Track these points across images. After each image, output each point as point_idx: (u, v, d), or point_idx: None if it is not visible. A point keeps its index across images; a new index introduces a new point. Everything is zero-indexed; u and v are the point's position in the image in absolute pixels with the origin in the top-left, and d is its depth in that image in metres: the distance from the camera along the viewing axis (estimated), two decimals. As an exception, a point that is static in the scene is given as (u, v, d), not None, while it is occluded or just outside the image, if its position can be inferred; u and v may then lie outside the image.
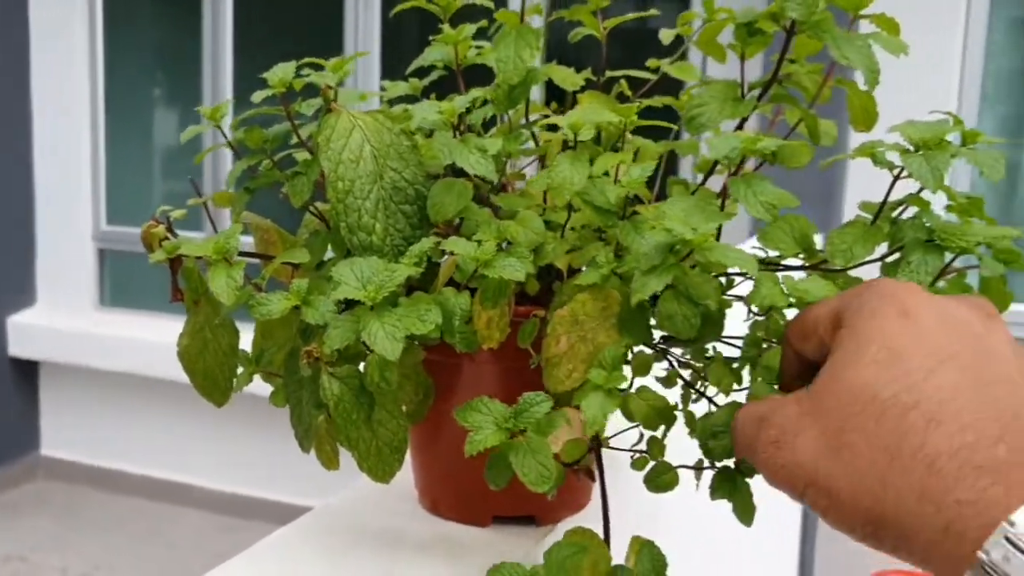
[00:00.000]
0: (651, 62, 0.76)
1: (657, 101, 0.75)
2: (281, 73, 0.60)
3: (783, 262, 0.65)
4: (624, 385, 0.60)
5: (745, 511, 0.61)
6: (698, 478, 0.65)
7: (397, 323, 0.55)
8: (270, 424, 1.62)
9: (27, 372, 4.51)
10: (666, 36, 0.74)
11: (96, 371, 4.30)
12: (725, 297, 0.64)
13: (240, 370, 0.65)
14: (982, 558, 0.38)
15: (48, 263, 4.51)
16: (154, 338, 4.01)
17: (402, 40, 4.01)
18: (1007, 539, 0.37)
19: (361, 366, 0.60)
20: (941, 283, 0.61)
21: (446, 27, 0.69)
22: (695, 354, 0.66)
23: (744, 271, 0.57)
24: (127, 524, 4.09)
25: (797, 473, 0.44)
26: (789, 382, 0.54)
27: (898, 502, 0.40)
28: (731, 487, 0.61)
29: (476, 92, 0.63)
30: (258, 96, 0.60)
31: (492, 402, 0.60)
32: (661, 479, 0.66)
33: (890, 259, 0.58)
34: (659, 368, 0.66)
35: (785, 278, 0.59)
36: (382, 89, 0.75)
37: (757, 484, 0.58)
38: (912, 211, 0.61)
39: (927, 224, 0.57)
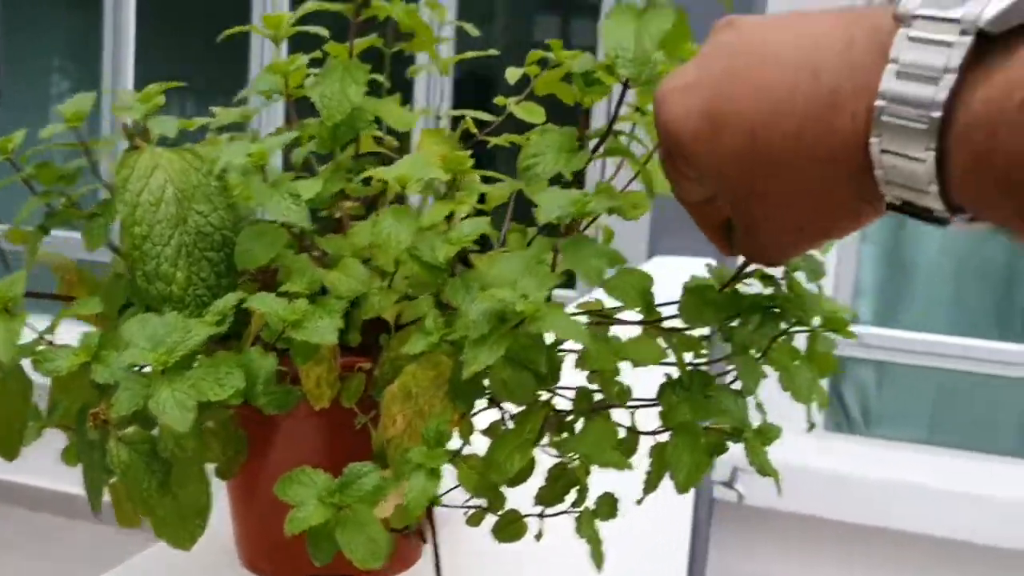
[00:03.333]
0: (499, 100, 0.73)
1: (504, 140, 0.72)
2: (76, 106, 0.55)
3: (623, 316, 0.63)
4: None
5: (597, 556, 0.59)
6: (541, 525, 0.62)
7: (189, 390, 0.50)
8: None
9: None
10: (512, 75, 0.70)
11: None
12: (559, 353, 0.61)
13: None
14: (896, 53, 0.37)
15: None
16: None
17: (312, 38, 3.91)
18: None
19: (157, 429, 0.55)
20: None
21: (276, 55, 0.65)
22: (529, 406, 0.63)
23: (574, 340, 0.54)
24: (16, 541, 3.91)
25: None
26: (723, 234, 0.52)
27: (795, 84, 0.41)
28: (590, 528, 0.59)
29: (287, 133, 0.58)
30: (47, 132, 0.55)
31: (315, 473, 0.56)
32: (510, 529, 0.63)
33: (732, 323, 0.57)
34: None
35: (614, 338, 0.57)
36: (212, 115, 0.70)
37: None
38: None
39: (769, 292, 0.56)
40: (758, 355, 0.57)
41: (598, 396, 0.63)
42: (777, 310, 0.58)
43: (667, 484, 0.58)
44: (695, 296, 0.56)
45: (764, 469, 0.54)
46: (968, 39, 0.35)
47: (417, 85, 3.33)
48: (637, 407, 0.63)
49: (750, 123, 0.42)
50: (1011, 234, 0.36)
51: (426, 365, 0.58)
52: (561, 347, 0.62)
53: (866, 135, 0.38)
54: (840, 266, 2.98)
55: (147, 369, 0.52)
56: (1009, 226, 0.35)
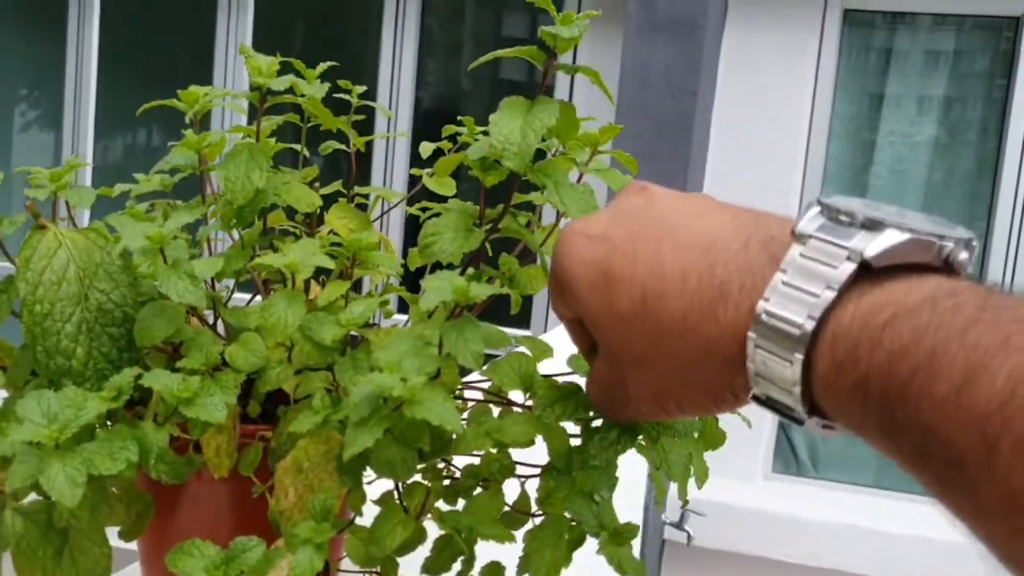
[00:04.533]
0: (414, 171, 0.76)
1: (415, 209, 0.75)
2: (-18, 186, 0.57)
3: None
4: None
5: None
6: None
7: (80, 466, 0.52)
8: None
9: None
10: (424, 150, 0.74)
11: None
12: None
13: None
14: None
15: None
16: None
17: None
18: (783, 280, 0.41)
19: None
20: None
21: (189, 133, 0.67)
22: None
23: (446, 427, 0.56)
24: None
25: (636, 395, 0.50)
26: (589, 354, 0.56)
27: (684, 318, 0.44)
28: None
29: (187, 213, 0.61)
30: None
31: (204, 545, 0.58)
32: None
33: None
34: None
35: (489, 418, 0.60)
36: (134, 182, 0.73)
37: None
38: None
39: None
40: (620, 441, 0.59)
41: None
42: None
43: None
44: (550, 391, 0.59)
45: (622, 568, 0.57)
46: (852, 266, 0.39)
47: (378, 121, 3.37)
48: (528, 478, 0.66)
49: (642, 290, 0.45)
50: (869, 443, 0.39)
51: (317, 439, 0.60)
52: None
53: (745, 329, 0.42)
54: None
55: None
56: (863, 436, 0.39)
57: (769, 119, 3.05)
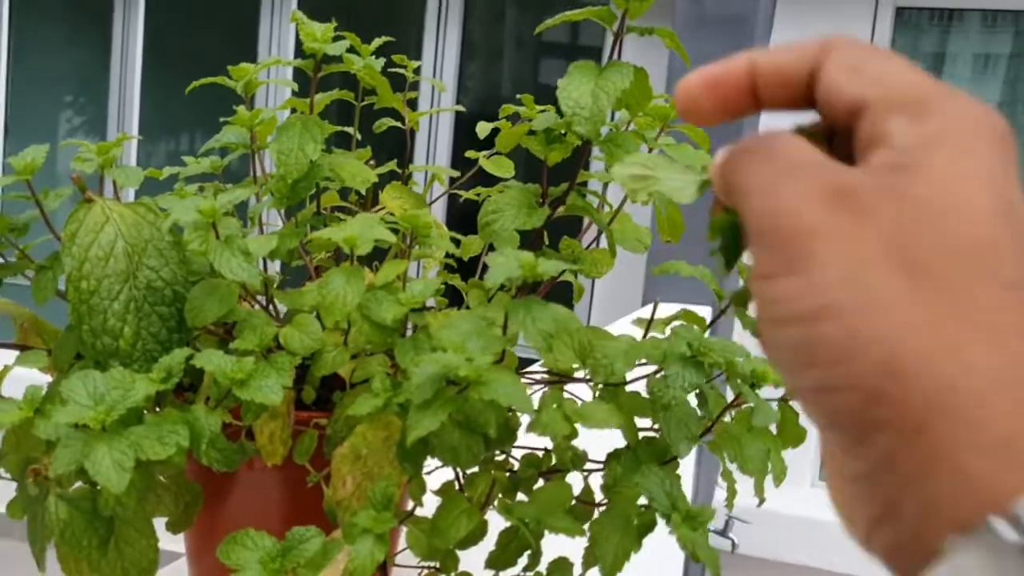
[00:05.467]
0: (470, 153, 0.72)
1: (472, 194, 0.72)
2: (30, 157, 0.55)
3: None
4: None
5: None
6: None
7: (127, 450, 0.50)
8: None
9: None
10: (482, 130, 0.70)
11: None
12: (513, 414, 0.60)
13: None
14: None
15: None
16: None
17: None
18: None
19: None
20: (727, 417, 0.59)
21: (241, 109, 0.65)
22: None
23: (518, 409, 0.53)
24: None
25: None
26: None
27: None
28: None
29: (241, 190, 0.58)
30: (4, 181, 0.55)
31: (259, 535, 0.55)
32: None
33: (657, 375, 0.56)
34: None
35: (567, 401, 0.56)
36: (183, 165, 0.70)
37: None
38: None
39: (690, 339, 0.54)
40: (701, 431, 0.56)
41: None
42: (699, 359, 0.56)
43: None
44: (611, 346, 0.55)
45: (695, 554, 0.53)
46: None
47: (420, 131, 3.35)
48: (591, 471, 0.62)
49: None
50: None
51: (376, 426, 0.57)
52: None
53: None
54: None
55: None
56: None
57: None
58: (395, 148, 0.78)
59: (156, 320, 0.56)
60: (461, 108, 0.77)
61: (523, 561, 0.59)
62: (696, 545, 0.51)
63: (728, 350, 0.54)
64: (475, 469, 0.61)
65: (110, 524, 0.54)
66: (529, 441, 0.61)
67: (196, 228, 0.54)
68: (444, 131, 4.02)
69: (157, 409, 0.57)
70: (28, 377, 0.55)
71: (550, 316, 0.54)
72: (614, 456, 0.58)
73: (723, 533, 2.85)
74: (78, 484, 0.55)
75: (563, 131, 0.60)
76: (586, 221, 0.72)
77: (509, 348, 0.56)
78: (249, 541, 0.54)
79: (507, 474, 0.62)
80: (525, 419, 0.59)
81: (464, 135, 4.09)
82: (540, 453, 0.62)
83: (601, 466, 0.61)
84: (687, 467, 2.72)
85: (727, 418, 0.58)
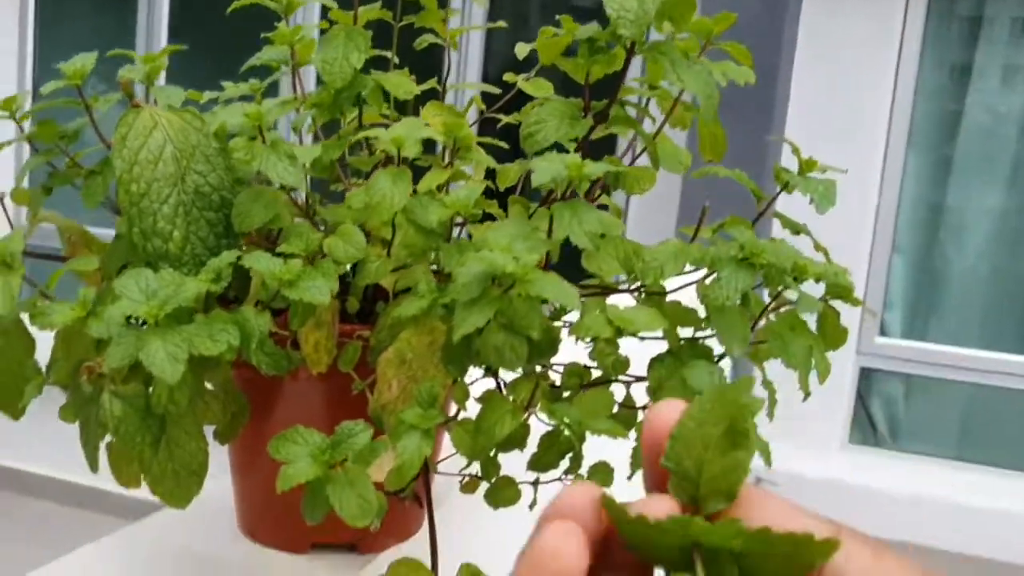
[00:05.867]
0: (508, 76, 0.72)
1: (514, 118, 0.72)
2: (79, 63, 0.55)
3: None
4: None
5: None
6: (536, 494, 0.62)
7: (181, 343, 0.51)
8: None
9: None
10: (521, 50, 0.70)
11: None
12: (556, 324, 0.61)
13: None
14: None
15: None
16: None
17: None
18: None
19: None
20: (772, 317, 0.59)
21: (281, 26, 0.65)
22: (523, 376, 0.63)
23: (563, 304, 0.53)
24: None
25: None
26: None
27: None
28: None
29: (286, 100, 0.59)
30: (48, 88, 0.56)
31: (308, 432, 0.56)
32: (502, 494, 0.62)
33: (707, 280, 0.56)
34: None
35: (610, 307, 0.56)
36: (221, 88, 0.71)
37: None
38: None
39: (740, 243, 0.54)
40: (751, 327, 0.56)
41: (596, 373, 0.63)
42: (750, 260, 0.56)
43: None
44: (660, 250, 0.55)
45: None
46: None
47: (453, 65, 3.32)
48: (631, 382, 0.63)
49: None
50: None
51: (420, 331, 0.58)
52: (560, 319, 0.62)
53: None
54: (870, 278, 2.95)
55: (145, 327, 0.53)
56: None
57: (852, 81, 2.96)
58: (427, 74, 0.78)
59: (204, 225, 0.57)
60: (503, 24, 0.77)
61: (564, 465, 0.59)
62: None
63: (777, 251, 0.54)
64: (518, 374, 0.62)
65: (162, 423, 0.55)
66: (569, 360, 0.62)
67: (243, 132, 0.54)
68: (474, 55, 3.97)
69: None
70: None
71: (596, 218, 0.54)
72: (657, 360, 0.59)
73: (750, 495, 2.85)
74: (128, 385, 0.56)
75: (607, 42, 0.60)
76: (621, 147, 0.72)
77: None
78: (299, 437, 0.55)
79: (547, 386, 0.62)
80: (566, 337, 0.60)
81: (494, 67, 4.05)
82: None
83: (640, 378, 0.62)
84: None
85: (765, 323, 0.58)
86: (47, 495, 3.92)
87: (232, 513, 0.72)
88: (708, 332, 0.60)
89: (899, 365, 3.03)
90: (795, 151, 0.65)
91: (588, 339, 0.55)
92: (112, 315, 0.53)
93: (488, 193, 0.76)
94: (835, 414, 3.00)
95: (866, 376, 3.07)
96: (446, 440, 0.60)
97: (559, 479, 0.60)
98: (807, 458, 2.95)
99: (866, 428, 3.13)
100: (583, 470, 0.59)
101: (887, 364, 3.03)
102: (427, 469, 0.62)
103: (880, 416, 3.13)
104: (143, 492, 0.61)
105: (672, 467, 0.29)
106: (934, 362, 2.98)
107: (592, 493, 0.29)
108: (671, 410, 0.31)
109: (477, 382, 0.63)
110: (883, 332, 3.03)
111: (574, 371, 0.62)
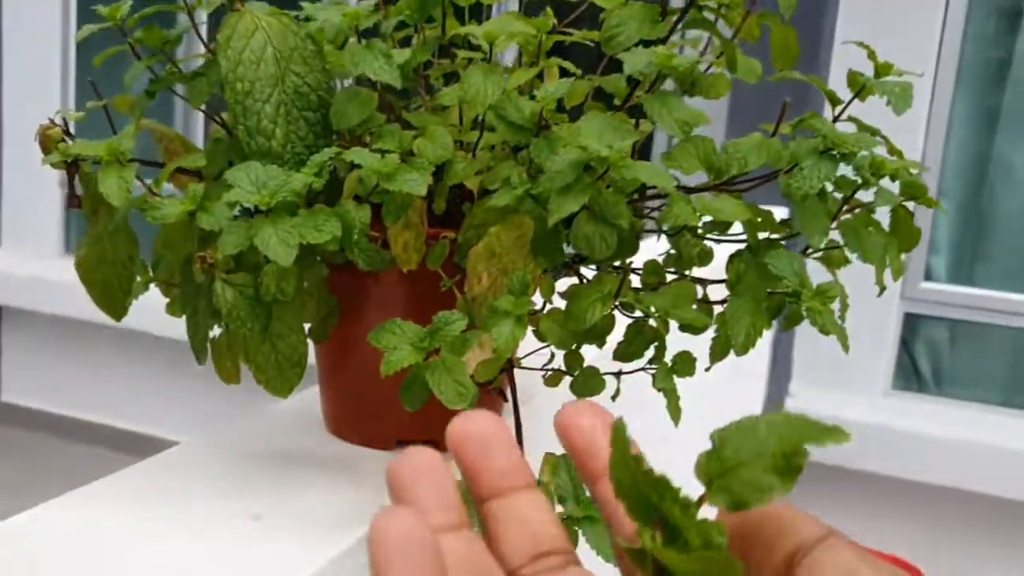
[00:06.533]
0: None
1: (587, 36, 0.73)
2: (182, -30, 0.58)
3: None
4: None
5: (674, 410, 0.61)
6: (618, 385, 0.65)
7: (291, 230, 0.53)
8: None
9: (-11, 317, 4.45)
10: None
11: (60, 318, 4.25)
12: (639, 219, 0.63)
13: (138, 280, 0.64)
14: None
15: (13, 208, 4.44)
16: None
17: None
18: None
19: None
20: (847, 216, 0.61)
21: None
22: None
23: (660, 188, 0.55)
24: (87, 473, 4.06)
25: None
26: None
27: None
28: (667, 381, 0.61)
29: (364, 21, 0.61)
30: (156, -11, 0.58)
31: (405, 323, 0.59)
32: (588, 384, 0.65)
33: (788, 173, 0.57)
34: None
35: (697, 198, 0.58)
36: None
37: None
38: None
39: (823, 133, 0.56)
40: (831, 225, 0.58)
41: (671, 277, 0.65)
42: (833, 152, 0.57)
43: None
44: (742, 143, 0.57)
45: (826, 328, 0.55)
46: None
47: None
48: (708, 282, 0.65)
49: None
50: None
51: (509, 226, 0.60)
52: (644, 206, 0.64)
53: None
54: (915, 221, 2.92)
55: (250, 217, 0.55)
56: None
57: (899, 26, 2.92)
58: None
59: (303, 124, 0.59)
60: None
61: (649, 355, 0.62)
62: (827, 322, 0.54)
63: (860, 141, 0.56)
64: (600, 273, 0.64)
65: (269, 312, 0.58)
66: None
67: (339, 33, 0.57)
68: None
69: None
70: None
71: (684, 107, 0.56)
72: (735, 255, 0.61)
73: (794, 440, 2.86)
74: (237, 275, 0.59)
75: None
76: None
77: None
78: (396, 328, 0.58)
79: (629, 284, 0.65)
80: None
81: None
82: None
83: (716, 281, 0.64)
84: (762, 368, 2.71)
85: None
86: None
87: (318, 420, 0.75)
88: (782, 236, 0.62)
89: (945, 311, 3.02)
90: (871, 55, 0.66)
91: (674, 228, 0.57)
92: (221, 208, 0.55)
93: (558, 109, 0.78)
94: (879, 360, 3.00)
95: (911, 322, 3.06)
96: (527, 338, 0.63)
97: (642, 369, 0.62)
98: (850, 403, 2.96)
99: (910, 374, 3.12)
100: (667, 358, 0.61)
101: (932, 310, 3.02)
102: (511, 364, 0.65)
103: (924, 362, 3.13)
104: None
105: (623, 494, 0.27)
106: (980, 307, 2.97)
107: (433, 458, 0.30)
108: (578, 415, 0.31)
109: (559, 281, 0.66)
110: (928, 277, 3.01)
111: (654, 268, 0.64)
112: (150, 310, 0.71)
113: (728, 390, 2.05)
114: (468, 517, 0.31)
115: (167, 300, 0.64)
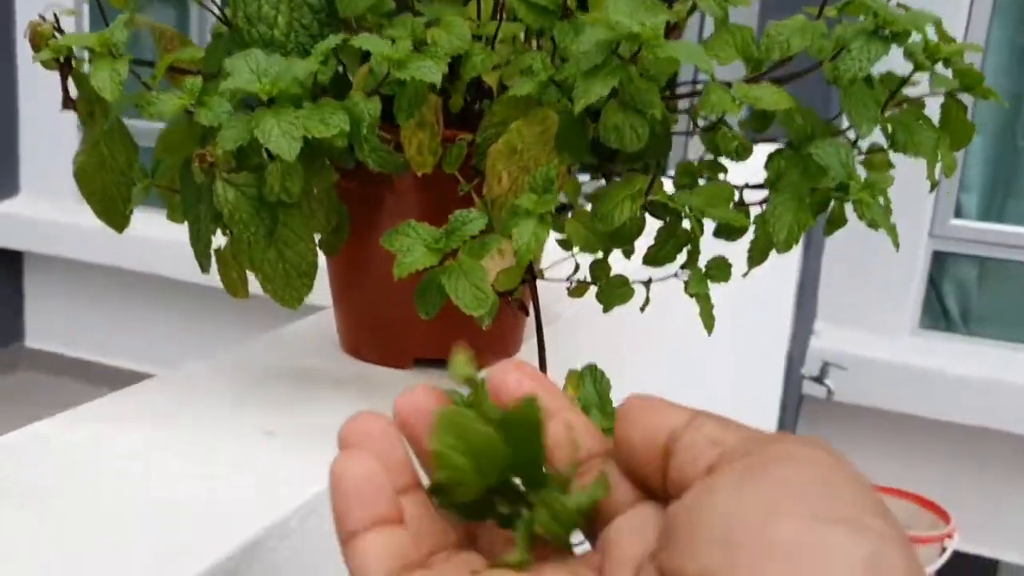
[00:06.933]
0: None
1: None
2: None
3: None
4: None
5: (707, 316, 0.57)
6: (647, 294, 0.61)
7: (295, 121, 0.49)
8: (253, 320, 1.58)
9: (11, 263, 4.46)
10: None
11: (81, 263, 4.25)
12: (671, 114, 0.59)
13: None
14: None
15: (32, 153, 4.42)
16: (141, 231, 3.94)
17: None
18: None
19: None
20: (895, 110, 0.56)
21: None
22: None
23: (702, 69, 0.51)
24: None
25: None
26: None
27: None
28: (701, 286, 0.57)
29: None
30: None
31: (420, 225, 0.55)
32: (615, 293, 0.61)
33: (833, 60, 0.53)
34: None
35: (737, 85, 0.54)
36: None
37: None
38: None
39: (874, 10, 0.51)
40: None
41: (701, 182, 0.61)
42: (884, 32, 0.52)
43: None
44: (785, 24, 0.52)
45: (875, 222, 0.51)
46: None
47: None
48: (744, 188, 0.60)
49: None
50: None
51: (532, 120, 0.56)
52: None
53: None
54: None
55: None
56: None
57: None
58: None
59: (307, 12, 0.55)
60: None
61: (681, 259, 0.58)
62: (876, 213, 0.50)
63: (917, 18, 0.51)
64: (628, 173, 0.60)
65: (274, 215, 0.54)
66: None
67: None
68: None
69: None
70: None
71: (718, -14, 0.51)
72: (775, 153, 0.56)
73: (819, 379, 2.83)
74: (239, 175, 0.55)
75: None
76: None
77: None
78: (411, 230, 0.54)
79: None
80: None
81: None
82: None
83: (753, 186, 0.60)
84: (786, 312, 2.68)
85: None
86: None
87: (334, 340, 0.72)
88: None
89: (974, 248, 2.95)
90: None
91: (712, 116, 0.52)
92: (221, 103, 0.52)
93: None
94: (906, 298, 2.95)
95: (939, 260, 3.00)
96: (549, 245, 0.59)
97: (674, 275, 0.58)
98: (876, 342, 2.91)
99: (937, 313, 3.07)
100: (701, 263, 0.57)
101: (962, 247, 2.96)
102: (533, 274, 0.61)
103: (952, 301, 3.07)
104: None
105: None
106: (1012, 244, 2.90)
107: (381, 421, 0.33)
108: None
109: (585, 185, 0.62)
110: (958, 214, 2.95)
111: (687, 168, 0.60)
112: (172, 255, 0.68)
113: (753, 332, 2.01)
114: (419, 480, 0.33)
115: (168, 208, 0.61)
